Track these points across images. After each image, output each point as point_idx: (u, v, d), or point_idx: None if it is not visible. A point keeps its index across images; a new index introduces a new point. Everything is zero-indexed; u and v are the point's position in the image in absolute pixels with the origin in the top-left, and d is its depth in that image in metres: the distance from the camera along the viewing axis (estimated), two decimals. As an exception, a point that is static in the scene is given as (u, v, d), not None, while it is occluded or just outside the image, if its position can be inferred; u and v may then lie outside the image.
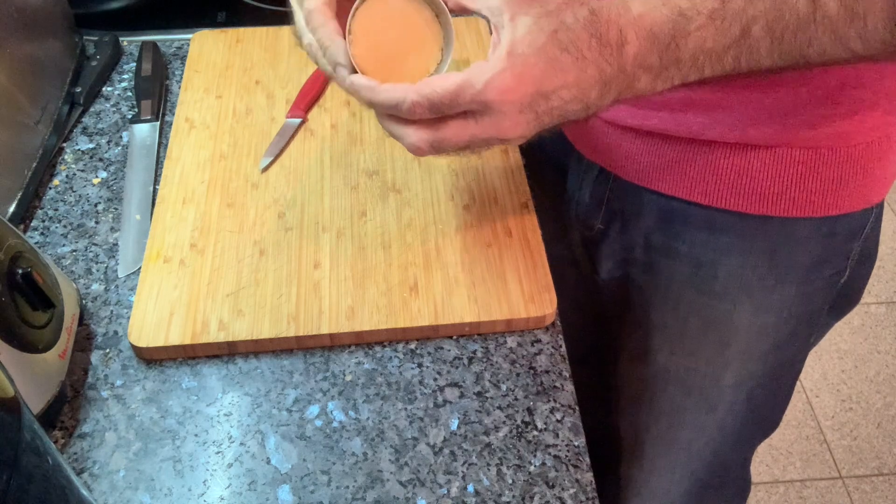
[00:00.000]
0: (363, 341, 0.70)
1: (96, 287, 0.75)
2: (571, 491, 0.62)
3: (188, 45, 0.97)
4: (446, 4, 0.56)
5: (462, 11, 0.56)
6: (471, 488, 0.62)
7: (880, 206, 0.75)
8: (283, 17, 1.05)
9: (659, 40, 0.52)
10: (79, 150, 0.87)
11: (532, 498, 0.61)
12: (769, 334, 0.80)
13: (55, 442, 0.64)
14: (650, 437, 0.93)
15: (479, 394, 0.67)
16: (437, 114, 0.53)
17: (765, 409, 0.90)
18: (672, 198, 0.74)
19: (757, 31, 0.52)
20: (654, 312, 0.83)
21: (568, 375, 0.69)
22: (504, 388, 0.68)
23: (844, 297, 0.82)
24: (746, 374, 0.84)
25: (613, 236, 0.82)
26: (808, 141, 0.67)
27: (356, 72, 0.57)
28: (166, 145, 0.86)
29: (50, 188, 0.83)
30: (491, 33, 0.55)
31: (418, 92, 0.53)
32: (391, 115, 0.56)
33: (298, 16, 0.60)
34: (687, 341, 0.83)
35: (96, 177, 0.84)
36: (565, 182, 0.86)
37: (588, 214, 0.83)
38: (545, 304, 0.71)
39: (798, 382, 1.79)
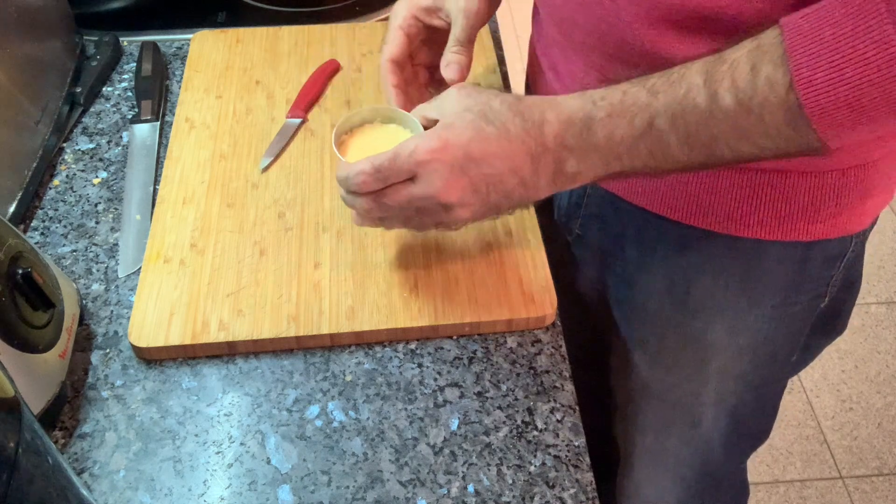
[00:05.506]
0: (363, 341, 0.70)
1: (96, 287, 0.75)
2: (571, 491, 0.62)
3: (188, 45, 0.97)
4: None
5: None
6: (471, 488, 0.62)
7: (862, 235, 0.74)
8: (283, 17, 1.05)
9: (574, 124, 0.59)
10: (79, 150, 0.87)
11: (532, 498, 0.61)
12: (746, 355, 0.80)
13: (55, 442, 0.64)
14: (638, 446, 0.94)
15: (479, 394, 0.67)
16: (381, 181, 0.61)
17: (751, 423, 0.90)
18: (646, 211, 0.74)
19: (662, 124, 0.57)
20: (634, 327, 0.83)
21: (568, 375, 0.69)
22: (504, 388, 0.68)
23: (828, 323, 0.81)
24: (726, 392, 0.84)
25: (591, 243, 0.83)
26: (778, 164, 0.66)
27: None
28: (166, 145, 0.86)
29: (50, 188, 0.83)
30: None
31: (366, 161, 0.61)
32: (349, 190, 0.64)
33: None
34: (665, 357, 0.83)
35: (96, 177, 0.84)
36: None
37: (568, 218, 0.84)
38: (545, 304, 0.71)
39: (798, 382, 1.79)
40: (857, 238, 0.73)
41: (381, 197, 0.62)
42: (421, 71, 0.76)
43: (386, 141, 0.64)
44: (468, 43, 0.72)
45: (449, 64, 0.71)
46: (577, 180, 0.61)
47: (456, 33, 0.71)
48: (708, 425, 0.87)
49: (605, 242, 0.81)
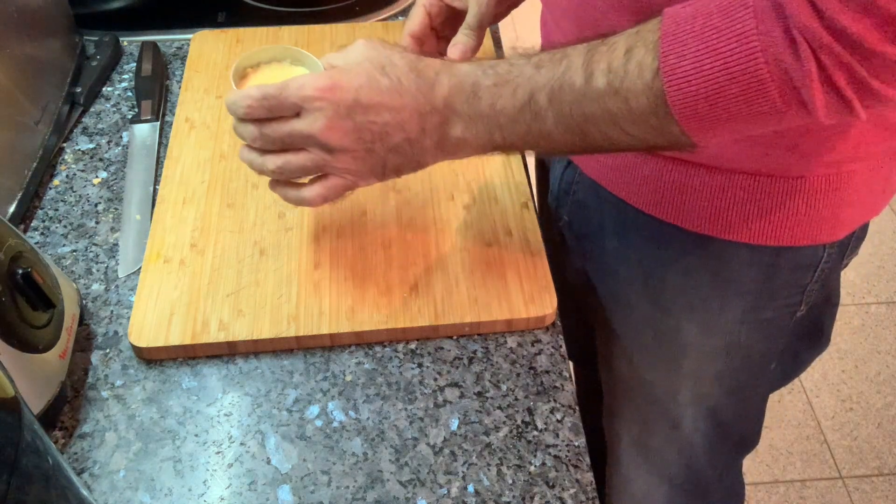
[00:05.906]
0: (363, 341, 0.70)
1: (96, 287, 0.75)
2: (571, 491, 0.62)
3: (188, 45, 0.97)
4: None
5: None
6: (471, 488, 0.62)
7: (838, 246, 0.72)
8: (283, 17, 1.05)
9: (463, 89, 0.60)
10: (79, 150, 0.87)
11: (532, 498, 0.61)
12: (720, 357, 0.80)
13: (55, 442, 0.64)
14: (623, 441, 0.94)
15: (479, 394, 0.67)
16: (267, 110, 0.61)
17: (734, 428, 0.89)
18: (624, 202, 0.75)
19: (541, 99, 0.58)
20: (614, 320, 0.83)
21: (568, 375, 0.69)
22: (504, 388, 0.68)
23: (810, 334, 0.81)
24: (702, 394, 0.84)
25: (577, 229, 0.83)
26: (746, 166, 0.66)
27: None
28: (166, 145, 0.86)
29: (50, 188, 0.83)
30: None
31: (255, 88, 0.61)
32: (240, 118, 0.63)
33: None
34: (642, 353, 0.83)
35: (96, 177, 0.84)
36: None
37: (558, 202, 0.85)
38: (545, 304, 0.71)
39: (798, 382, 1.79)
40: (831, 249, 0.72)
41: (265, 127, 0.62)
42: (444, 44, 0.79)
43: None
44: (477, 28, 0.75)
45: (455, 44, 0.74)
46: (462, 148, 0.63)
47: (468, 18, 0.75)
48: (688, 427, 0.86)
49: (589, 230, 0.81)
